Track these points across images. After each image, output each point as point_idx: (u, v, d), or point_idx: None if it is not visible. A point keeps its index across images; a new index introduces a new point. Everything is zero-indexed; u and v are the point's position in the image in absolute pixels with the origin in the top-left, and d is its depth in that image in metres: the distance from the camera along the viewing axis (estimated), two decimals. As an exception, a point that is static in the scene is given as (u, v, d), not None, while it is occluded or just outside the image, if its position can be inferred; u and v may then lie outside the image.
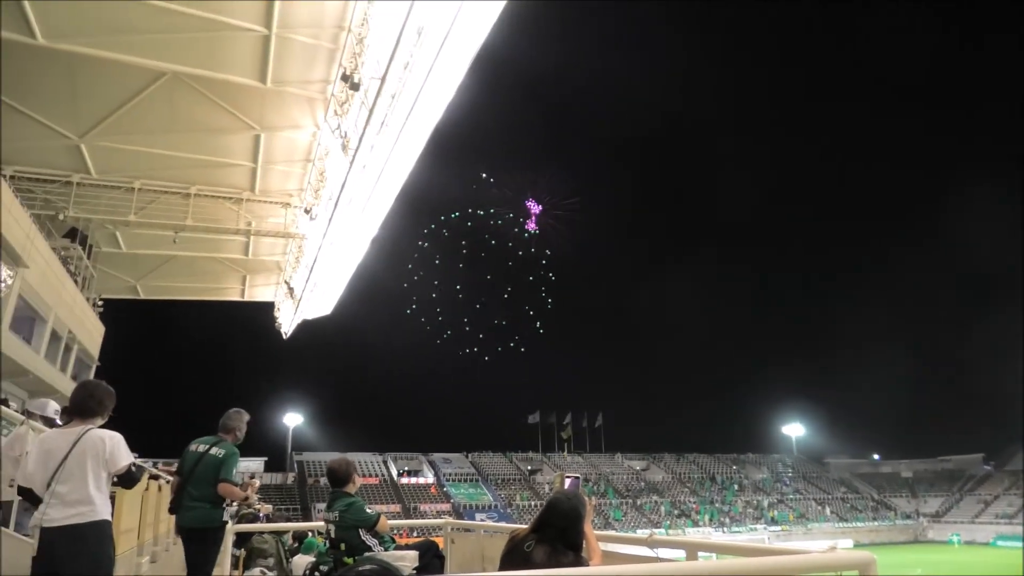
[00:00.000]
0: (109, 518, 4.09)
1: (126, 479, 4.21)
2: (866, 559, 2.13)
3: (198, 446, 5.76)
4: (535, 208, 77.18)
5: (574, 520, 3.23)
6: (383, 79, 11.76)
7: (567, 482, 3.91)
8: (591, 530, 3.37)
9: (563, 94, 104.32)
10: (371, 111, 12.48)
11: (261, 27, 12.77)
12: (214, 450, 5.70)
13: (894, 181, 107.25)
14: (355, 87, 12.65)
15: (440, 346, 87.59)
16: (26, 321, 16.55)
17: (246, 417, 6.10)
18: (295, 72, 14.23)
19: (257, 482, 6.45)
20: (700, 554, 3.30)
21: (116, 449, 4.08)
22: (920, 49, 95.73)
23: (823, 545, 2.41)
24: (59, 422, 8.41)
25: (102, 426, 4.30)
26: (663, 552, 3.67)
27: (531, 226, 77.84)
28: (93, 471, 3.97)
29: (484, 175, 78.30)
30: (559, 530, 3.21)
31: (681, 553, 3.37)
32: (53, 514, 3.82)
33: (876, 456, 76.85)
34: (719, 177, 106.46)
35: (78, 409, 4.24)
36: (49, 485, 3.90)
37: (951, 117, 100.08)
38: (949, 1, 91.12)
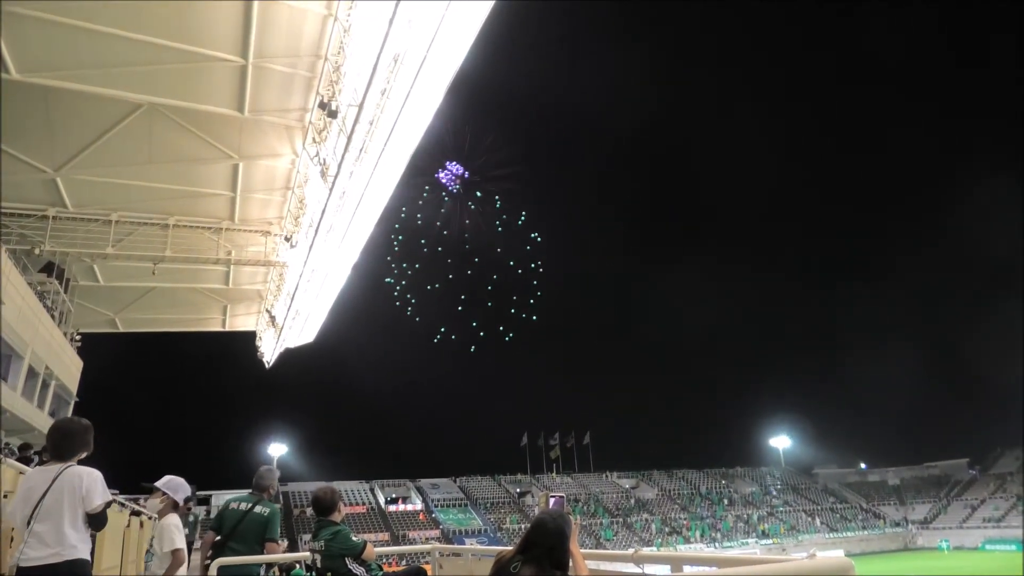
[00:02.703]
0: (87, 557, 4.01)
1: (96, 520, 4.09)
2: (844, 564, 2.17)
3: (239, 504, 6.05)
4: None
5: (560, 539, 3.24)
6: (360, 106, 11.84)
7: (551, 501, 3.92)
8: (577, 548, 3.38)
9: (546, 103, 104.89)
10: (349, 138, 12.54)
11: (238, 57, 12.83)
12: (258, 508, 6.00)
13: (884, 190, 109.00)
14: (333, 115, 12.71)
15: (425, 371, 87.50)
16: (2, 359, 16.28)
17: (277, 474, 6.49)
18: (273, 101, 14.28)
19: (285, 543, 6.55)
20: (685, 568, 3.32)
21: (92, 487, 4.02)
22: (923, 43, 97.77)
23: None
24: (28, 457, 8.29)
25: (86, 458, 4.25)
26: (649, 568, 3.68)
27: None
28: (70, 509, 3.91)
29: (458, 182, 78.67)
30: (545, 550, 3.22)
31: (666, 568, 3.39)
32: (31, 553, 3.77)
33: (863, 465, 77.37)
34: (709, 187, 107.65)
35: (55, 451, 4.18)
36: (29, 523, 3.85)
37: (952, 119, 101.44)
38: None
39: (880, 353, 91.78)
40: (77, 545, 3.92)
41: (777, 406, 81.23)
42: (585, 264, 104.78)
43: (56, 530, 3.84)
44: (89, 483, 4.01)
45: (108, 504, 4.18)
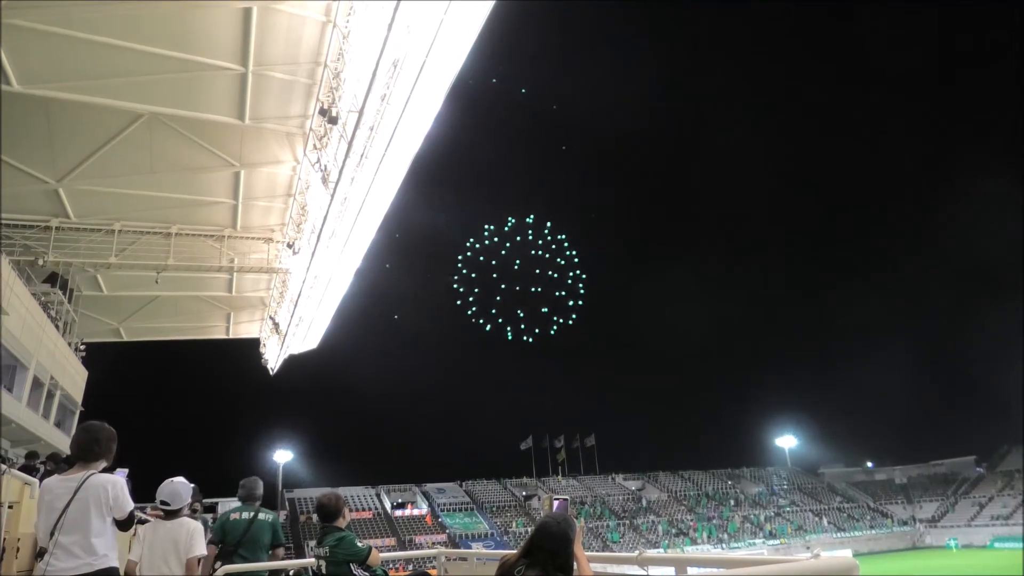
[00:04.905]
0: (115, 565, 3.99)
1: (124, 524, 4.13)
2: (849, 564, 2.17)
3: (240, 514, 6.22)
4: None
5: (564, 543, 3.23)
6: (361, 112, 11.87)
7: (555, 504, 3.89)
8: (582, 551, 3.37)
9: (545, 105, 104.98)
10: (350, 144, 12.58)
11: (237, 65, 12.88)
12: (262, 516, 6.23)
13: (885, 188, 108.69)
14: (333, 121, 12.75)
15: (430, 375, 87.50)
16: (7, 369, 16.32)
17: (261, 482, 6.71)
18: (273, 108, 14.33)
19: (281, 550, 6.69)
20: (689, 569, 3.31)
21: (119, 495, 4.01)
22: (921, 41, 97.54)
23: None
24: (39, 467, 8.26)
25: (104, 469, 4.22)
26: (653, 570, 3.67)
27: None
28: (96, 519, 3.88)
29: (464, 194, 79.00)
30: (549, 553, 3.20)
31: (671, 570, 3.38)
32: (58, 564, 3.71)
33: (870, 464, 77.07)
34: (711, 190, 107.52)
35: (82, 454, 4.11)
36: (52, 534, 3.79)
37: (949, 120, 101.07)
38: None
39: (885, 351, 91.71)
40: (107, 554, 3.90)
41: (782, 406, 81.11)
42: (587, 265, 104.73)
43: (83, 540, 3.80)
44: (115, 492, 3.99)
45: (134, 511, 4.19)
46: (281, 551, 6.35)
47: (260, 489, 6.57)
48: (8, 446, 16.97)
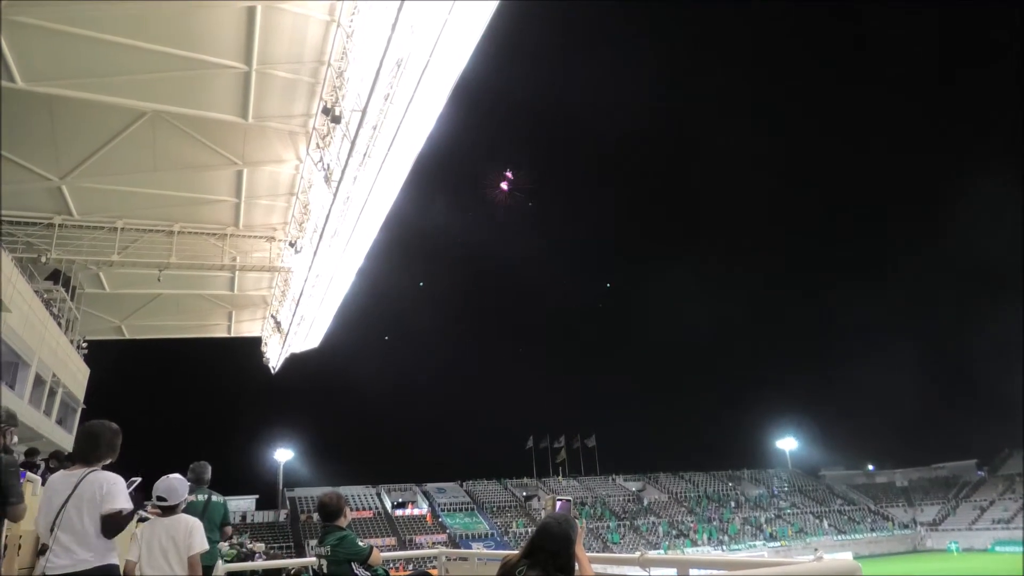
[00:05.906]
0: (114, 562, 3.95)
1: (110, 523, 3.92)
2: (851, 566, 2.16)
3: (196, 496, 6.50)
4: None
5: (565, 544, 3.23)
6: (364, 111, 11.87)
7: (558, 505, 3.89)
8: (583, 552, 3.37)
9: (548, 106, 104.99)
10: (353, 143, 12.57)
11: (241, 64, 12.89)
12: (215, 498, 6.67)
13: (885, 188, 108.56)
14: (336, 120, 12.74)
15: (430, 375, 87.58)
16: (9, 366, 16.34)
17: (209, 467, 7.10)
18: (276, 107, 14.33)
19: (229, 528, 7.22)
20: (691, 571, 3.30)
21: (112, 491, 3.93)
22: (923, 42, 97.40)
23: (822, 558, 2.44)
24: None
25: (108, 466, 4.16)
26: (655, 571, 3.67)
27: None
28: (91, 516, 3.84)
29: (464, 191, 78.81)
30: (551, 554, 3.20)
31: (672, 571, 3.37)
32: (57, 561, 3.71)
33: (871, 466, 77.01)
34: (711, 190, 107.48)
35: (82, 454, 4.09)
36: (52, 531, 3.78)
37: (950, 120, 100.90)
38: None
39: (885, 352, 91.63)
40: (105, 552, 3.87)
41: (783, 408, 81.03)
42: (589, 265, 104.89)
43: (80, 537, 3.78)
44: (109, 488, 3.92)
45: (129, 513, 4.04)
46: (229, 529, 7.00)
47: (208, 473, 6.88)
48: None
